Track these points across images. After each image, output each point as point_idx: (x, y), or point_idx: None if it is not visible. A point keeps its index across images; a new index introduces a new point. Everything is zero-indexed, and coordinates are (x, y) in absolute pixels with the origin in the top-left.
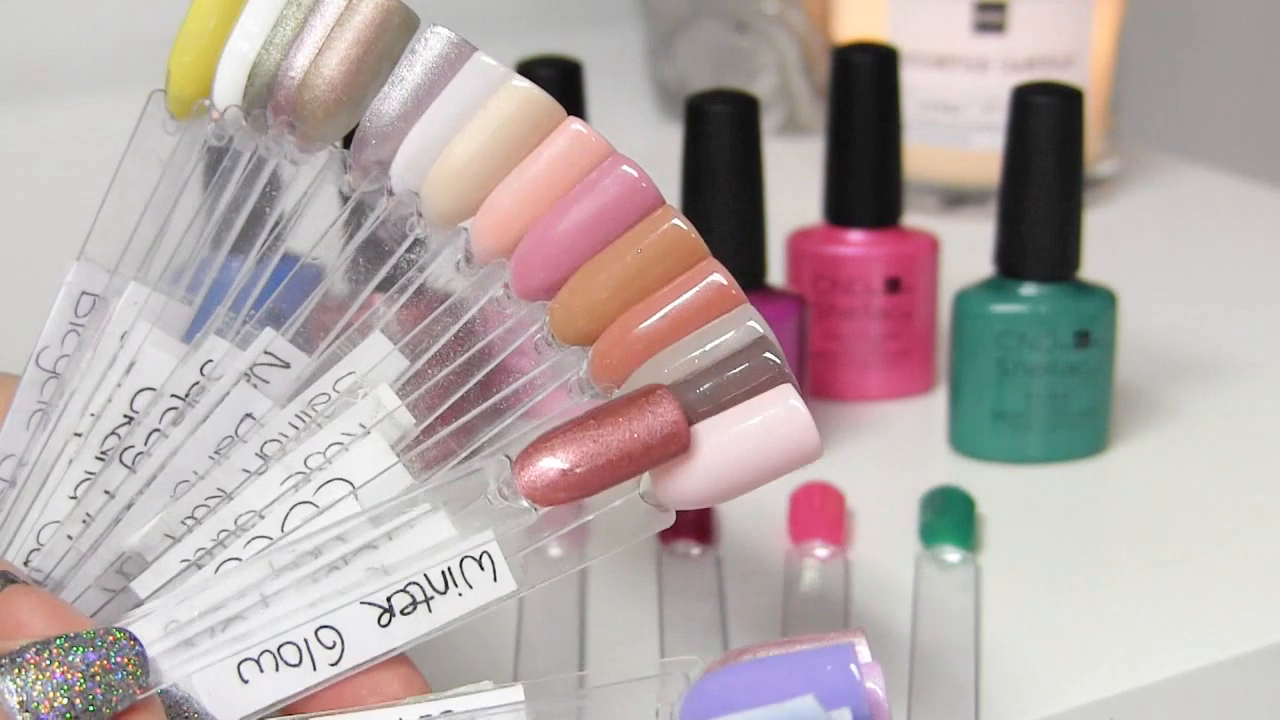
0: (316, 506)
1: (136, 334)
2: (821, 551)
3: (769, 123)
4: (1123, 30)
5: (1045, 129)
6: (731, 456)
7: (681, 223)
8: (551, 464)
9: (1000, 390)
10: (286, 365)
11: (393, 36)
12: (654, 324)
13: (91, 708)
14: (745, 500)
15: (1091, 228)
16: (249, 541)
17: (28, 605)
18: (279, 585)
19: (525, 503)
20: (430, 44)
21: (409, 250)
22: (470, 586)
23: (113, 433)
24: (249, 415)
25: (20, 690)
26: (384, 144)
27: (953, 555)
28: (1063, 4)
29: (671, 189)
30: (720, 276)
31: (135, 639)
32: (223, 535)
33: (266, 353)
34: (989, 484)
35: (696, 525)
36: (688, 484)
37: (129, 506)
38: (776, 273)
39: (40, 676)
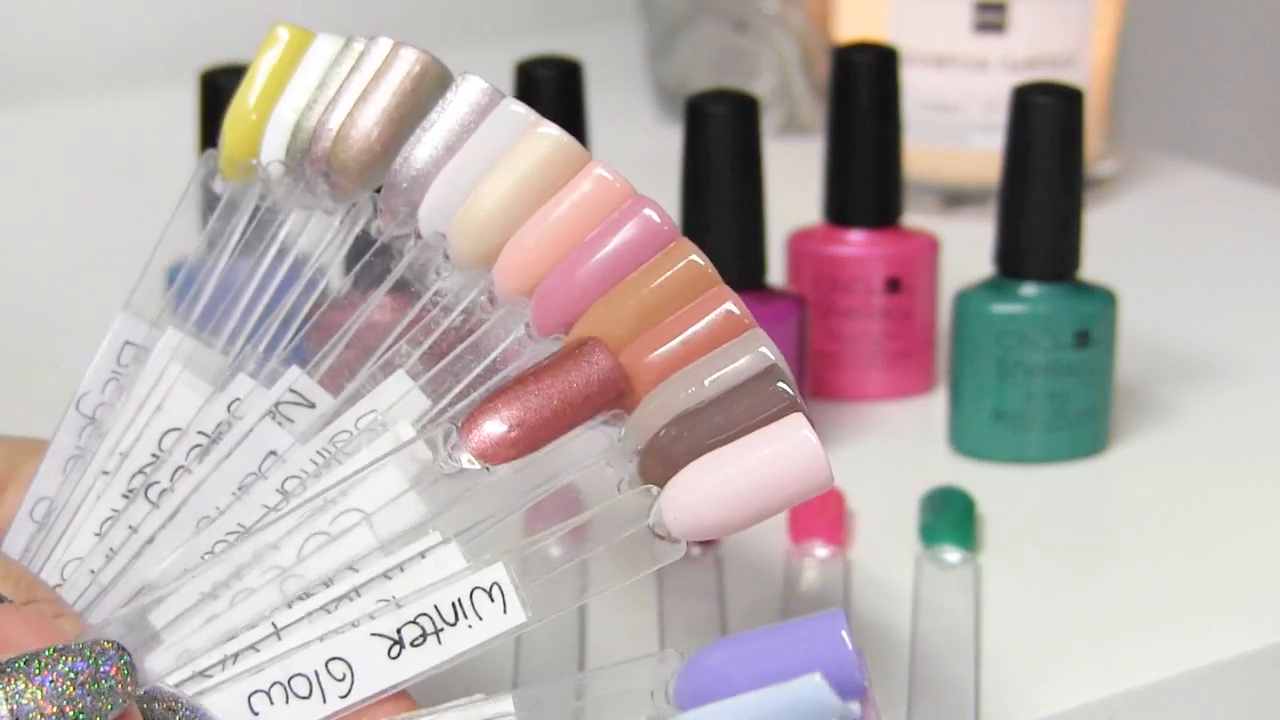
0: (329, 535)
1: (168, 376)
2: (821, 551)
3: (769, 123)
4: (1123, 30)
5: (1045, 129)
6: (741, 487)
7: (699, 258)
8: (496, 423)
9: (1000, 390)
10: (312, 405)
11: (428, 90)
12: (667, 351)
13: (82, 715)
14: None
15: (1091, 228)
16: (264, 572)
17: (15, 622)
18: (292, 616)
19: (477, 464)
20: (462, 91)
21: (436, 294)
22: (480, 618)
23: (140, 471)
24: (272, 453)
25: (10, 699)
26: (414, 189)
27: (953, 555)
28: (1063, 4)
29: (671, 189)
30: (733, 306)
31: (123, 649)
32: (239, 568)
33: (292, 391)
34: (989, 484)
35: None
36: (697, 515)
37: (151, 541)
38: (776, 273)
39: (30, 686)
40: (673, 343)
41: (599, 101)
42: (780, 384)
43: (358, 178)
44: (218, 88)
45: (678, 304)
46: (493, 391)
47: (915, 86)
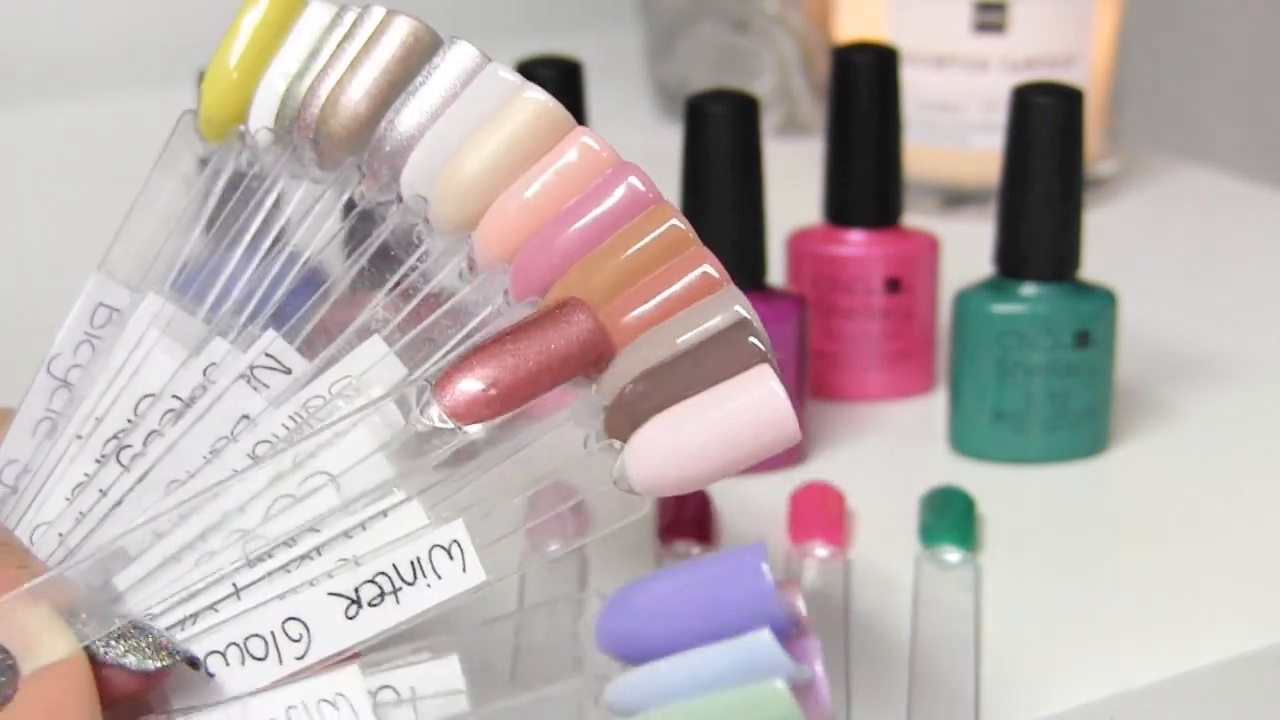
0: (295, 497)
1: (146, 341)
2: (821, 551)
3: (769, 123)
4: (1123, 30)
5: (1045, 129)
6: (705, 441)
7: (680, 222)
8: (471, 382)
9: (1000, 390)
10: (288, 371)
11: (419, 59)
12: (643, 311)
13: None
14: (745, 500)
15: (1091, 228)
16: (229, 535)
17: None
18: (252, 576)
19: (450, 423)
20: (450, 56)
21: (419, 259)
22: (439, 577)
23: (114, 436)
24: (245, 417)
25: None
26: (397, 153)
27: (953, 555)
28: (1063, 4)
29: (671, 189)
30: (710, 268)
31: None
32: (205, 531)
33: (267, 355)
34: (989, 484)
35: (696, 525)
36: (660, 468)
37: (118, 504)
38: (776, 273)
39: None
40: (649, 303)
41: (599, 101)
42: (751, 339)
43: (345, 145)
44: None
45: (656, 266)
46: (469, 351)
47: (915, 86)
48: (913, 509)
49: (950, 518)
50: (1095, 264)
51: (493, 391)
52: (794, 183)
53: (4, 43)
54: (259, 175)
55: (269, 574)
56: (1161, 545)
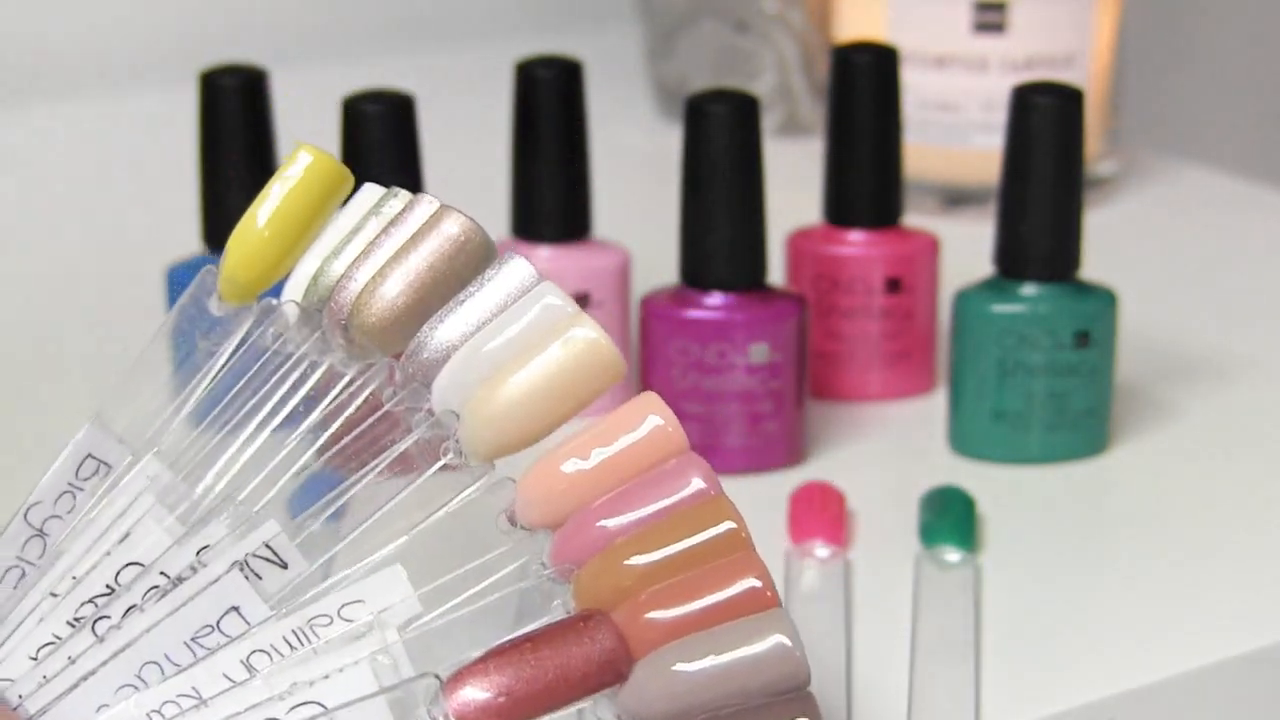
0: None
1: (139, 506)
2: (821, 551)
3: (769, 123)
4: (1123, 30)
5: (1045, 129)
6: None
7: (738, 526)
8: (483, 688)
9: (1000, 390)
10: (284, 565)
11: (465, 261)
12: (677, 617)
13: None
14: (745, 500)
15: (1091, 228)
16: None
17: None
18: None
19: None
20: (505, 270)
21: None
22: None
23: (90, 600)
24: (235, 608)
25: None
26: (435, 362)
27: (953, 555)
28: (1063, 4)
29: (671, 189)
30: (758, 580)
31: None
32: None
33: (266, 546)
34: (989, 484)
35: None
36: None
37: (88, 676)
38: (776, 273)
39: None
40: (684, 608)
41: (599, 101)
42: (797, 686)
43: (378, 338)
44: (218, 88)
45: (700, 564)
46: (487, 651)
47: (915, 86)
48: (913, 509)
49: (950, 518)
50: (1095, 264)
51: (503, 700)
52: (794, 183)
53: (4, 43)
54: (279, 352)
55: None
56: (1161, 545)
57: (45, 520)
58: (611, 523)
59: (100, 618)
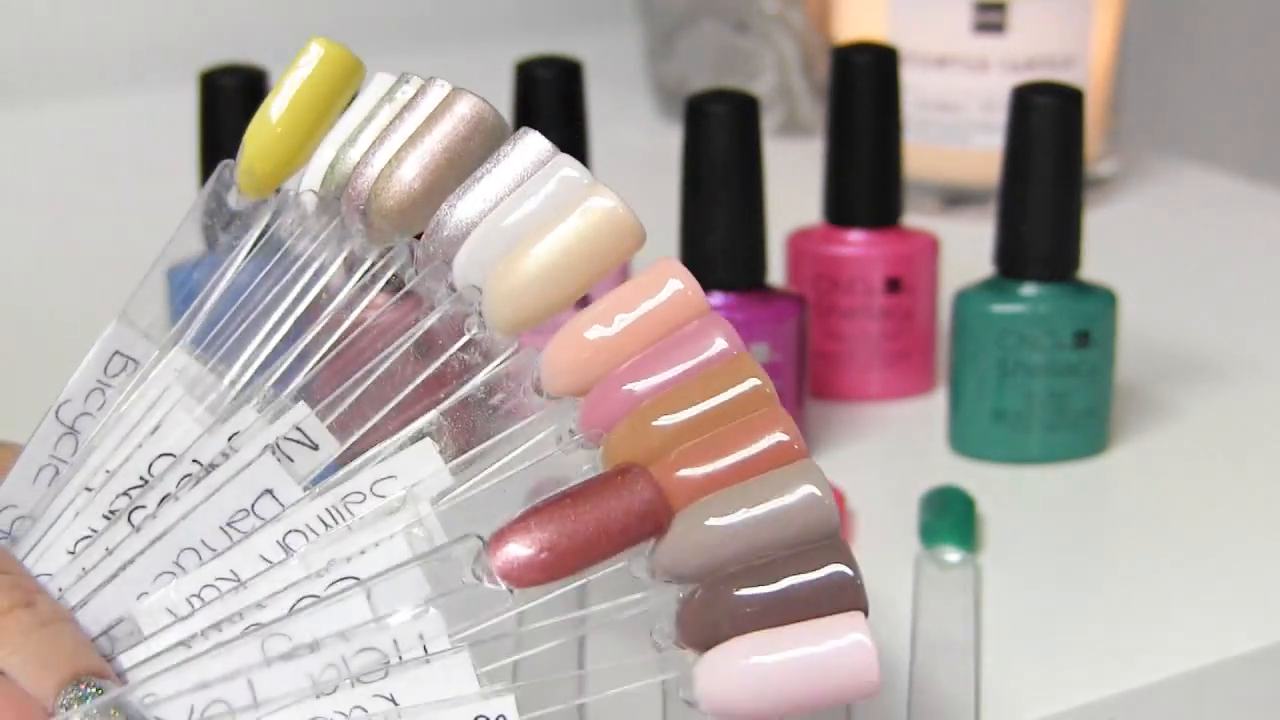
0: (319, 597)
1: (168, 399)
2: None
3: (769, 123)
4: (1123, 30)
5: (1045, 129)
6: (785, 679)
7: (763, 382)
8: (526, 544)
9: (1000, 390)
10: (315, 447)
11: (480, 141)
12: (710, 472)
13: None
14: None
15: (1091, 228)
16: (246, 628)
17: None
18: (271, 677)
19: (502, 585)
20: (520, 146)
21: (463, 349)
22: None
23: (125, 493)
24: (269, 491)
25: None
26: (455, 239)
27: (953, 555)
28: (1063, 4)
29: (671, 189)
30: (785, 434)
31: None
32: (222, 621)
33: (297, 429)
34: (989, 484)
35: None
36: (734, 697)
37: (126, 565)
38: (776, 273)
39: None
40: (716, 464)
41: (599, 101)
42: (847, 572)
43: (397, 221)
44: (218, 88)
45: (727, 420)
46: (527, 509)
47: (915, 86)
48: (913, 509)
49: (950, 518)
50: (1095, 264)
51: (546, 555)
52: (794, 183)
53: (4, 43)
54: (300, 238)
55: (298, 691)
56: (1161, 545)
57: (76, 418)
58: (638, 386)
59: (136, 508)
